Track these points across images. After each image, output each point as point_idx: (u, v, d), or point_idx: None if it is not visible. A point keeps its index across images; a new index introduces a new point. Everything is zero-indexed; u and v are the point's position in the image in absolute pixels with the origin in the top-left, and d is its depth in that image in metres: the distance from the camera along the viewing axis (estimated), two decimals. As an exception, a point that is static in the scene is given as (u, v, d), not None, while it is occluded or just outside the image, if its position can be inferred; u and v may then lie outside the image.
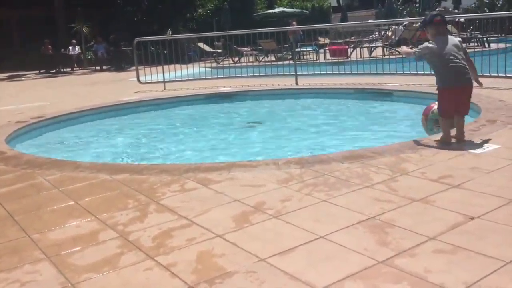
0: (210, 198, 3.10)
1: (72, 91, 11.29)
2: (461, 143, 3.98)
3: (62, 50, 20.58)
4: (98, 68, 19.68)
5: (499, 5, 27.94)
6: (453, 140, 4.05)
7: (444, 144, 3.97)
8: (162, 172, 3.78)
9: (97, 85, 12.78)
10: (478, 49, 10.15)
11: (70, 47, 20.43)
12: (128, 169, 4.02)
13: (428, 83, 7.87)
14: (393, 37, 15.97)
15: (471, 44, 13.31)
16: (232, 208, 2.90)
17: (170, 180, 3.54)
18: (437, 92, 4.08)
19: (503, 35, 11.44)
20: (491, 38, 12.55)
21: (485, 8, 27.86)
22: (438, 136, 4.13)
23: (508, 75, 6.86)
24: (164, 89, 10.04)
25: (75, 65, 20.27)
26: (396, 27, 16.33)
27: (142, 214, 2.90)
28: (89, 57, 21.04)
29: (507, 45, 9.68)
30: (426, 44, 4.01)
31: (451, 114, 4.01)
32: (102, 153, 5.52)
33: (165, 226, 2.68)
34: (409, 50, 4.25)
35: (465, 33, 13.24)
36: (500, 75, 6.75)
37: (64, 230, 2.74)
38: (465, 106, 4.09)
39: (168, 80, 10.40)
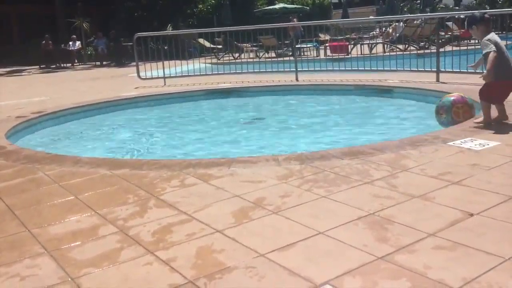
0: (210, 194, 3.10)
1: (72, 87, 11.28)
2: (504, 124, 4.29)
3: (62, 45, 20.57)
4: (98, 63, 19.67)
5: (500, 2, 27.86)
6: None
7: (487, 124, 4.40)
8: (162, 167, 3.78)
9: (97, 80, 12.77)
10: (479, 46, 10.12)
11: (70, 43, 20.42)
12: (128, 164, 4.02)
13: (428, 80, 7.88)
14: (394, 34, 15.95)
15: (472, 41, 13.30)
16: (232, 203, 2.90)
17: (170, 176, 3.55)
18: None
19: (504, 32, 11.43)
20: (492, 35, 12.52)
21: (486, 5, 27.78)
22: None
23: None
24: (164, 84, 10.04)
25: (76, 61, 20.27)
26: (397, 24, 16.31)
27: (142, 209, 2.90)
28: (89, 52, 21.03)
29: (508, 42, 9.66)
30: (490, 38, 4.33)
31: (500, 102, 4.46)
32: (103, 148, 5.53)
33: (164, 221, 2.68)
34: (490, 64, 4.24)
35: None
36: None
37: (64, 225, 2.75)
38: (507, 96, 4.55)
39: (169, 75, 10.39)
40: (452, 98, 4.83)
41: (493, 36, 4.38)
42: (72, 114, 7.34)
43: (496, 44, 4.28)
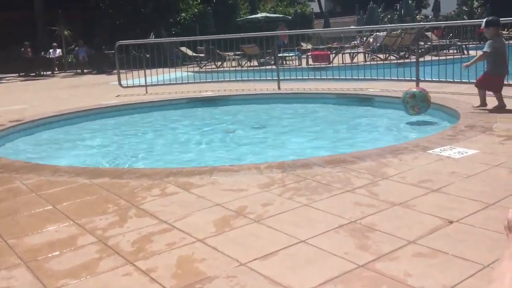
0: (191, 203, 3.08)
1: (52, 95, 11.14)
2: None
3: (42, 53, 20.32)
4: (79, 71, 19.46)
5: (477, 13, 28.47)
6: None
7: (482, 106, 5.70)
8: (143, 176, 3.74)
9: (78, 88, 12.64)
10: (457, 56, 10.33)
11: (50, 50, 20.17)
12: (108, 173, 3.97)
13: (408, 88, 7.96)
14: (374, 43, 16.14)
15: (451, 50, 13.56)
16: (213, 212, 2.88)
17: (151, 184, 3.51)
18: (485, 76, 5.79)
19: (481, 42, 11.66)
20: (470, 45, 12.79)
21: (464, 16, 28.35)
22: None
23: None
24: (146, 93, 9.98)
25: (56, 68, 20.01)
26: (377, 33, 16.52)
27: (121, 219, 2.86)
28: (70, 60, 20.81)
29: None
30: (491, 42, 5.61)
31: (498, 91, 5.67)
32: (82, 157, 5.45)
33: (145, 230, 2.65)
34: (476, 58, 5.83)
35: (445, 40, 13.45)
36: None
37: (42, 235, 2.69)
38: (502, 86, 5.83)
39: (150, 84, 10.33)
40: (414, 89, 5.98)
41: (498, 40, 5.65)
42: (52, 122, 7.23)
43: (495, 48, 5.58)
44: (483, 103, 5.78)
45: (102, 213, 2.97)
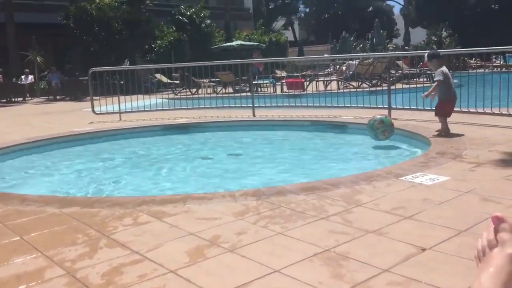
0: (164, 232, 3.02)
1: (23, 121, 10.93)
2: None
3: (14, 79, 20.03)
4: (51, 97, 19.22)
5: (446, 43, 29.43)
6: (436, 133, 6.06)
7: (446, 133, 5.95)
8: (115, 205, 3.67)
9: (49, 115, 12.45)
10: (427, 84, 10.61)
11: (22, 76, 19.92)
12: (78, 202, 3.88)
13: (371, 117, 8.11)
14: (347, 71, 16.47)
15: (421, 79, 13.90)
16: (187, 242, 2.83)
17: (122, 214, 3.44)
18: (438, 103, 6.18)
19: (450, 70, 12.02)
20: (439, 74, 13.16)
21: (433, 46, 29.25)
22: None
23: (455, 109, 7.16)
24: (120, 120, 9.89)
25: (28, 95, 19.73)
26: (350, 62, 16.87)
27: (91, 250, 2.78)
28: (42, 86, 20.56)
29: (454, 80, 10.15)
30: (442, 70, 6.04)
31: (449, 115, 6.15)
32: (52, 185, 5.32)
33: (115, 262, 2.58)
34: (433, 87, 6.13)
35: (415, 69, 13.82)
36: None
37: (8, 268, 2.59)
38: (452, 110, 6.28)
39: (124, 110, 10.26)
40: (378, 115, 6.29)
41: (444, 68, 6.09)
42: (22, 149, 7.07)
43: (446, 75, 6.01)
44: (446, 128, 6.05)
45: (72, 244, 2.89)
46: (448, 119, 6.15)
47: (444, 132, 5.99)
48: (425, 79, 14.05)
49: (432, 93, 6.16)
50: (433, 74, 6.32)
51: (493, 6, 36.39)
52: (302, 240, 2.75)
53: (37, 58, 20.46)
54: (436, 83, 6.04)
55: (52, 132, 8.31)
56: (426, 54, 6.47)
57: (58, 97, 19.16)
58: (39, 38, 21.03)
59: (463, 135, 5.96)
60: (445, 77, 5.98)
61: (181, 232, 3.00)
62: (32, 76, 20.19)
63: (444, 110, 6.12)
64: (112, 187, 5.18)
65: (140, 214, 3.41)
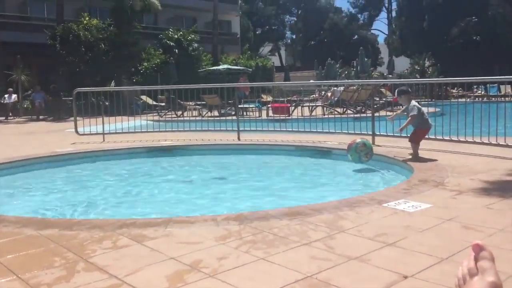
0: (144, 256, 2.97)
1: (3, 141, 10.78)
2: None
3: (-3, 98, 19.85)
4: (34, 117, 19.03)
5: (429, 72, 30.04)
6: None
7: (416, 158, 6.33)
8: (94, 227, 3.60)
9: (32, 135, 12.30)
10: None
11: (6, 96, 19.74)
12: (57, 224, 3.80)
13: (351, 141, 8.17)
14: (332, 97, 16.66)
15: (404, 106, 14.12)
16: (167, 266, 2.78)
17: (102, 236, 3.37)
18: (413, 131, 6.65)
19: (432, 99, 12.24)
20: (422, 102, 13.41)
21: (416, 75, 29.85)
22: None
23: (437, 137, 7.26)
24: (103, 141, 9.80)
25: (10, 114, 19.52)
26: (335, 88, 17.09)
27: (68, 273, 2.71)
28: (25, 106, 20.37)
29: (436, 109, 10.33)
30: (415, 104, 6.56)
31: (418, 142, 6.55)
32: (31, 206, 5.22)
33: (92, 286, 2.52)
34: (408, 122, 6.57)
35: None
36: (431, 137, 7.14)
37: (-21, 291, 2.51)
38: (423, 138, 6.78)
39: (108, 132, 10.18)
40: (359, 139, 6.68)
41: (415, 103, 6.64)
42: (1, 169, 6.94)
43: (419, 109, 6.53)
44: (417, 152, 6.48)
45: (48, 267, 2.81)
46: (431, 148, 6.53)
47: (415, 156, 6.41)
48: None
49: (406, 127, 6.66)
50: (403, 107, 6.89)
51: (474, 38, 37.42)
52: (284, 266, 2.72)
53: (22, 77, 20.33)
54: (410, 118, 6.47)
55: (33, 152, 8.19)
56: (396, 91, 7.05)
57: (41, 117, 18.98)
58: (24, 57, 20.94)
59: (436, 160, 6.24)
60: (418, 111, 6.48)
61: (161, 256, 2.95)
62: (15, 95, 20.02)
63: (418, 137, 6.60)
64: (92, 209, 5.09)
65: (120, 237, 3.34)
